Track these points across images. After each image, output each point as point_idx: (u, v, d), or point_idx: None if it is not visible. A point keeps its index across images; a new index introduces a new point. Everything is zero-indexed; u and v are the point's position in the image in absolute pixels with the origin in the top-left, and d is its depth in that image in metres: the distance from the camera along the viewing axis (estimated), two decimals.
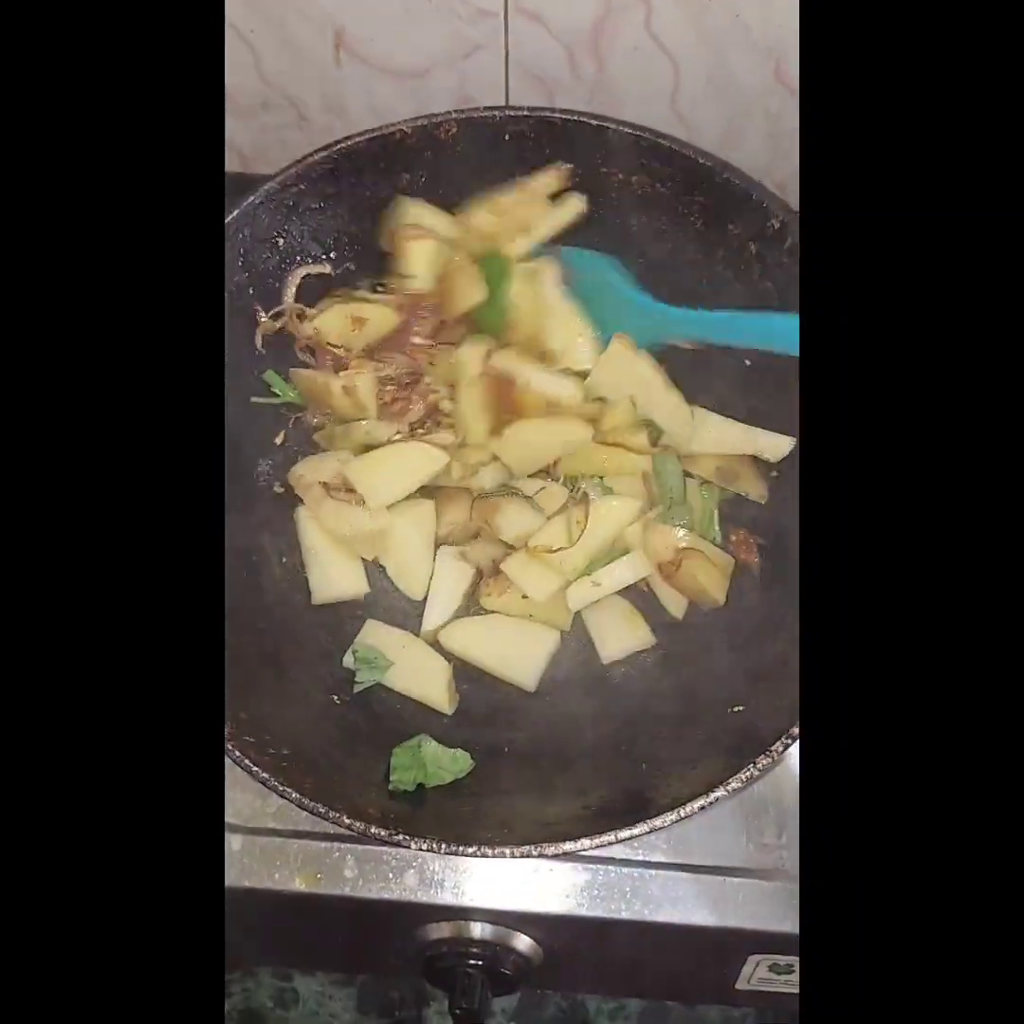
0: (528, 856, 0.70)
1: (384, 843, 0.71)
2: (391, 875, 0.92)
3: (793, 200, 1.17)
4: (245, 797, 0.94)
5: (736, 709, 0.80)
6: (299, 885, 0.92)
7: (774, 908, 0.90)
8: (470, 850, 0.70)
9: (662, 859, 0.92)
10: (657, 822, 0.70)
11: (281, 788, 0.71)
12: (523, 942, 0.96)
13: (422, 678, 0.91)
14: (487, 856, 0.70)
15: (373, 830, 0.70)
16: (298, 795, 0.71)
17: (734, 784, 0.71)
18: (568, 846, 0.70)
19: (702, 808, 0.70)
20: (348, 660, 0.91)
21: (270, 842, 0.93)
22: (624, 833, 0.70)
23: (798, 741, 0.72)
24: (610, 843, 0.70)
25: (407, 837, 0.70)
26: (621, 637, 0.93)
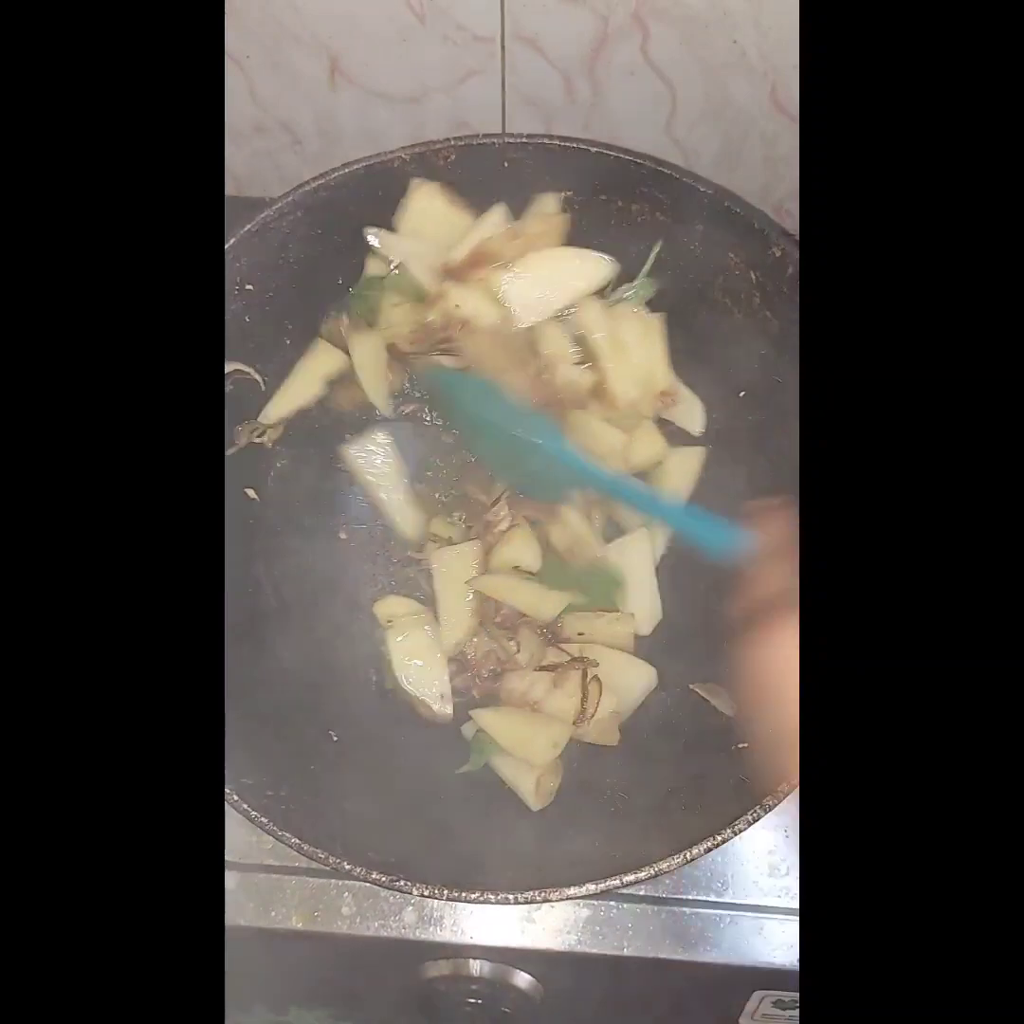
0: (532, 902, 0.68)
1: (385, 888, 0.69)
2: (389, 912, 0.90)
3: (789, 223, 1.17)
4: (240, 833, 0.92)
5: (741, 746, 0.79)
6: (296, 923, 0.90)
7: (778, 943, 0.89)
8: (473, 896, 0.68)
9: (664, 895, 0.90)
10: (662, 865, 0.69)
11: (279, 832, 0.70)
12: (523, 979, 0.94)
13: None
14: (489, 902, 0.68)
15: (374, 875, 0.69)
16: (297, 840, 0.70)
17: (741, 826, 0.70)
18: (572, 891, 0.68)
19: (708, 850, 0.69)
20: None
21: (266, 879, 0.91)
22: (629, 877, 0.69)
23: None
24: (615, 888, 0.68)
25: (408, 882, 0.69)
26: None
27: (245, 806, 0.71)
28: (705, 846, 0.69)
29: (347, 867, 0.69)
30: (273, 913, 0.90)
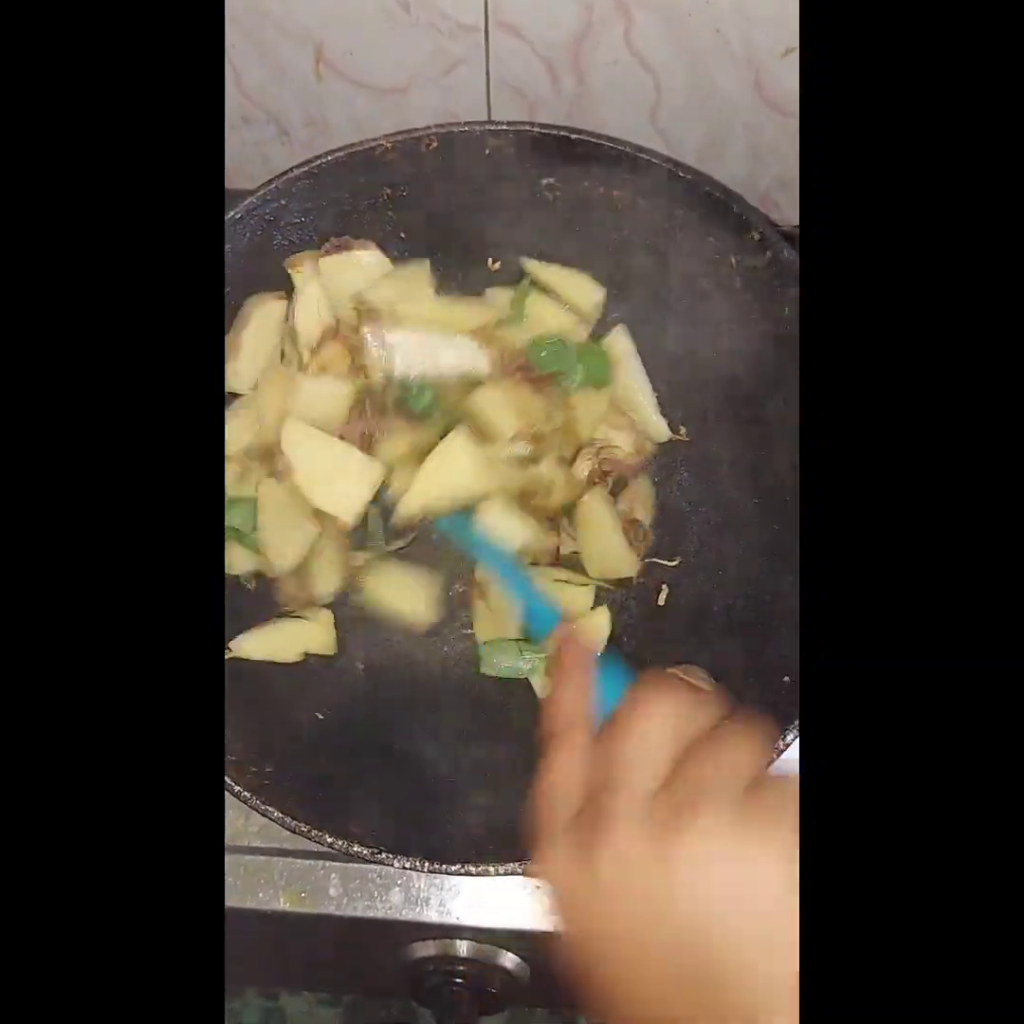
0: (513, 874, 0.69)
1: (367, 861, 0.70)
2: (376, 893, 0.91)
3: (774, 213, 1.18)
4: (228, 815, 0.93)
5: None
6: (283, 904, 0.91)
7: None
8: (454, 868, 0.69)
9: None
10: None
11: (262, 807, 0.71)
12: (510, 960, 0.95)
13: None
14: (470, 874, 0.69)
15: (355, 848, 0.69)
16: (280, 813, 0.70)
17: None
18: None
19: None
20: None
21: (253, 861, 0.92)
22: None
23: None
24: None
25: (390, 855, 0.70)
26: None
27: (228, 781, 0.71)
28: None
29: (329, 840, 0.70)
30: (260, 894, 0.91)
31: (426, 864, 0.69)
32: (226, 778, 0.71)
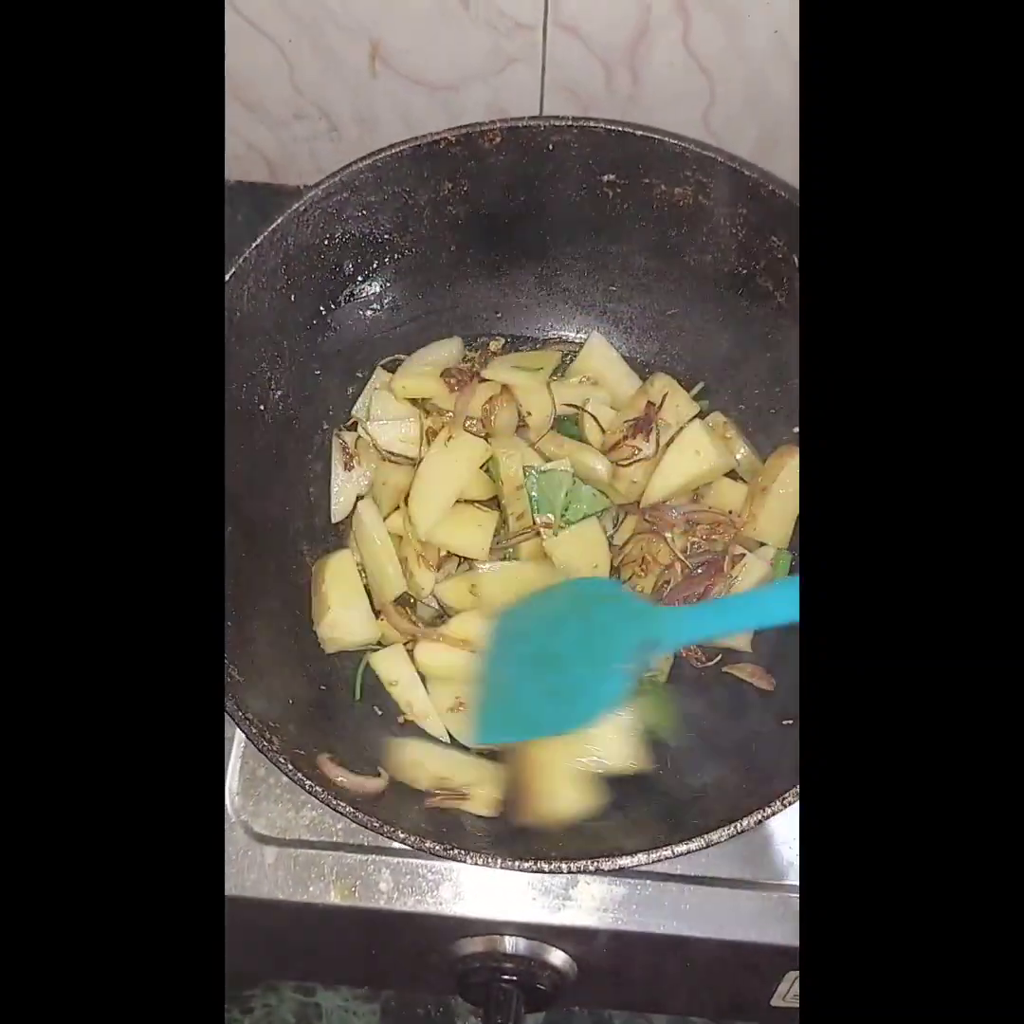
0: (584, 872, 0.69)
1: (438, 857, 0.70)
2: (426, 888, 0.91)
3: None
4: (278, 809, 0.93)
5: (786, 723, 0.80)
6: (334, 898, 0.91)
7: None
8: (526, 865, 0.69)
9: (700, 873, 0.91)
10: (713, 836, 0.70)
11: (334, 802, 0.70)
12: (558, 957, 0.95)
13: None
14: (543, 872, 0.69)
15: (428, 844, 0.69)
16: (352, 810, 0.70)
17: (790, 798, 0.70)
18: (624, 861, 0.69)
19: (759, 822, 0.70)
20: None
21: (304, 854, 0.92)
22: (681, 848, 0.69)
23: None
24: (667, 858, 0.69)
25: (462, 852, 0.69)
26: None
27: (300, 776, 0.71)
28: (755, 818, 0.70)
29: (402, 836, 0.70)
30: (311, 888, 0.91)
31: (498, 861, 0.69)
32: (298, 773, 0.71)
